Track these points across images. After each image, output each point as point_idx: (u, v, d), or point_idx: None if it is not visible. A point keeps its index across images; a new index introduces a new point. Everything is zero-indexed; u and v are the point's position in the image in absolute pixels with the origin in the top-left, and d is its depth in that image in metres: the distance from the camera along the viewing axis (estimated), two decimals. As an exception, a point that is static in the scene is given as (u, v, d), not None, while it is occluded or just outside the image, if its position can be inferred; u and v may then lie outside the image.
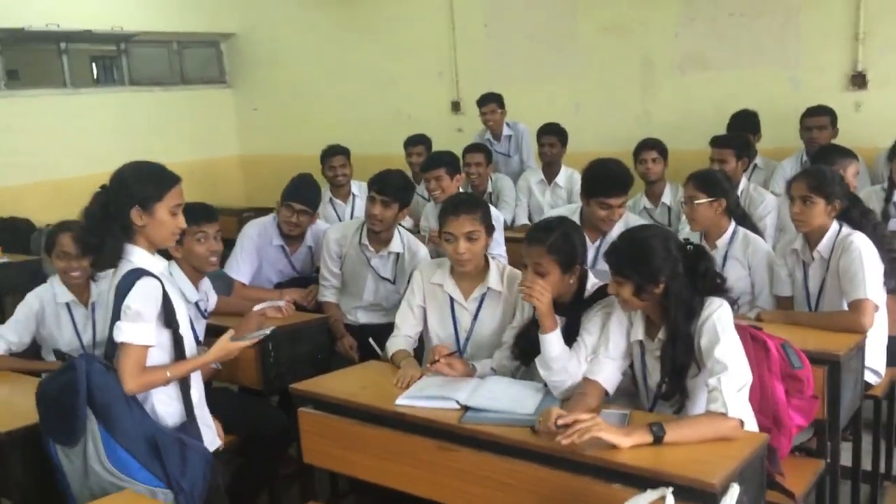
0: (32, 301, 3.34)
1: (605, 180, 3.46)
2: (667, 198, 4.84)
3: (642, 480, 2.00)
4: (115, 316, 2.33)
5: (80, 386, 2.27)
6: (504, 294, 2.97)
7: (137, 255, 2.39)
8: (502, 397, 2.50)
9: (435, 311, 3.06)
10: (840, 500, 2.96)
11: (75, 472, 2.36)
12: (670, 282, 2.39)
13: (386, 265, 3.89)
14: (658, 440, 2.13)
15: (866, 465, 3.30)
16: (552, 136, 5.53)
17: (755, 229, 3.67)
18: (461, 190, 4.51)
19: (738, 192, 4.41)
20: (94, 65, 8.16)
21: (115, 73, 7.92)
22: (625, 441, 2.12)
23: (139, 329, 2.33)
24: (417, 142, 5.96)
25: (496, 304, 2.98)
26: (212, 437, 2.59)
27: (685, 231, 3.88)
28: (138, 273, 2.35)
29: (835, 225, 3.22)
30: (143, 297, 2.33)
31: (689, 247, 2.48)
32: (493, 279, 2.98)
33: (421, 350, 3.13)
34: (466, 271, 2.94)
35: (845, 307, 3.14)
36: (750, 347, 2.53)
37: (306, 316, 3.69)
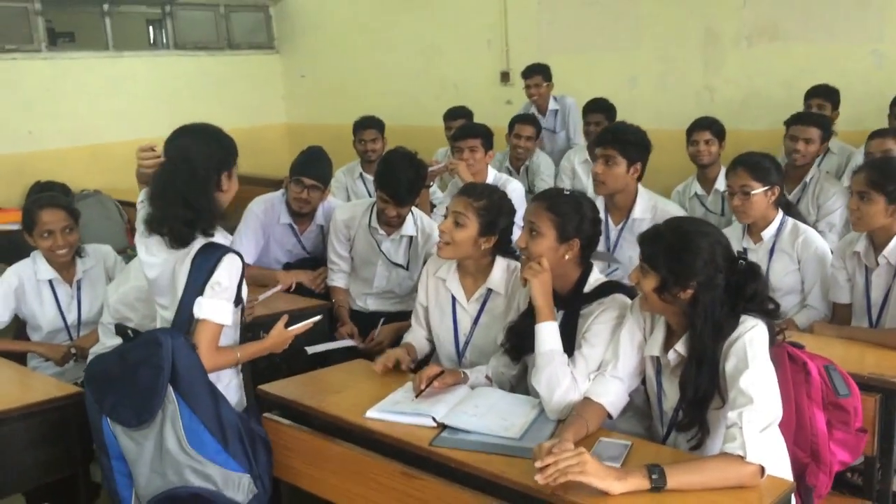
0: (11, 277, 3.15)
1: None
2: (721, 184, 4.33)
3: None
4: (195, 291, 2.20)
5: (164, 363, 2.13)
6: (507, 296, 2.63)
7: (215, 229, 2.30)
8: (487, 414, 2.17)
9: (437, 311, 2.77)
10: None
11: (143, 455, 2.19)
12: (701, 291, 2.02)
13: (398, 249, 3.58)
14: (657, 489, 1.79)
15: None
16: (598, 114, 5.09)
17: (802, 220, 3.28)
18: (498, 164, 4.10)
19: (807, 180, 3.99)
20: (138, 28, 7.98)
21: (160, 36, 7.72)
22: (615, 487, 1.78)
23: (221, 307, 2.22)
24: (458, 115, 5.56)
25: (500, 308, 2.64)
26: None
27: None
28: (221, 248, 2.23)
29: (908, 228, 2.77)
30: (232, 275, 2.22)
31: (741, 262, 2.08)
32: (496, 279, 2.64)
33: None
34: (443, 256, 2.64)
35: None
36: (787, 369, 2.16)
37: (306, 301, 3.40)
